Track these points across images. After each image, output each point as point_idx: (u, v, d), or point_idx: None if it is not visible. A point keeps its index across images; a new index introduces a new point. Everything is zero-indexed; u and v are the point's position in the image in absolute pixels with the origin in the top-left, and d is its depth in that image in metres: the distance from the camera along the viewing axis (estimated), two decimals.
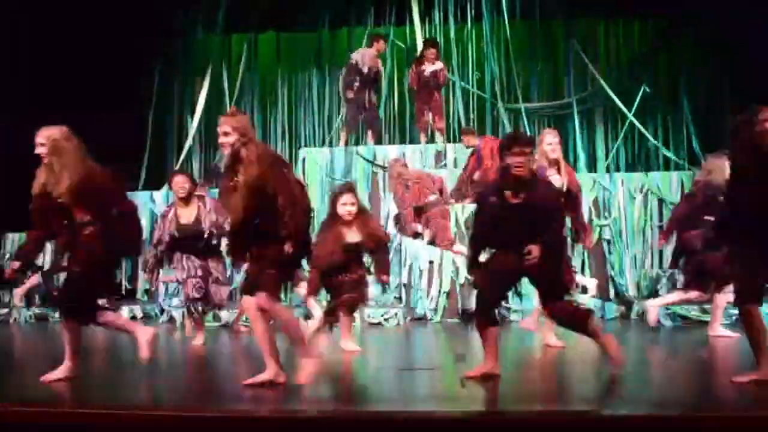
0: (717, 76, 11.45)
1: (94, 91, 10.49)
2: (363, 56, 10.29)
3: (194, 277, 6.58)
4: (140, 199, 9.98)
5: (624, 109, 11.35)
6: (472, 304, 7.61)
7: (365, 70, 10.18)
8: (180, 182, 6.65)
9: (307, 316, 7.25)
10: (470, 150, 9.56)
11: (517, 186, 4.47)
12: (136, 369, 5.04)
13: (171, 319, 8.54)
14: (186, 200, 6.61)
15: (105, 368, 5.69)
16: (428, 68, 10.20)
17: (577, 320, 4.66)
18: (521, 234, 4.41)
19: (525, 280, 4.73)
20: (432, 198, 8.77)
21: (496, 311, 4.72)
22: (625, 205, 9.18)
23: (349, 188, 6.22)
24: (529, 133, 4.15)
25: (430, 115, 10.38)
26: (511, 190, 4.48)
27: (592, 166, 11.64)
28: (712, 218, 5.68)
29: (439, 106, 10.44)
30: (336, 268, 5.91)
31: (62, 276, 5.19)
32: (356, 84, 10.20)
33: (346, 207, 5.95)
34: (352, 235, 5.92)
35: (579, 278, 8.63)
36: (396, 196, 9.06)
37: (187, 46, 12.69)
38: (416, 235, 8.83)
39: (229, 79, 12.36)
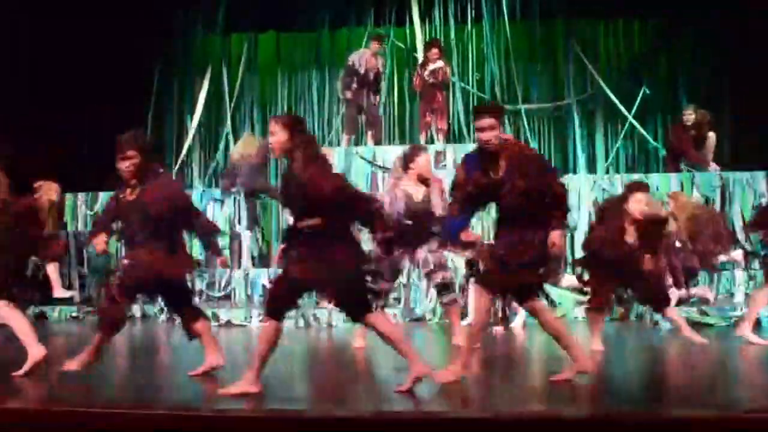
0: (717, 76, 11.42)
1: (94, 91, 10.46)
2: (359, 57, 10.29)
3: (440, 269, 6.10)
4: None
5: (624, 110, 11.33)
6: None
7: (362, 71, 10.18)
8: (428, 160, 6.25)
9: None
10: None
11: (131, 185, 4.76)
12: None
13: (170, 319, 8.48)
14: (424, 180, 6.14)
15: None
16: (429, 67, 10.21)
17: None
18: (134, 230, 4.73)
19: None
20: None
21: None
22: None
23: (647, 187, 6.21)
24: (140, 137, 4.39)
25: (433, 116, 10.37)
26: (130, 188, 4.79)
27: (591, 167, 11.63)
28: None
29: (442, 106, 10.42)
30: None
31: None
32: (354, 85, 10.21)
33: (640, 205, 5.79)
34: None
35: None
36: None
37: (187, 46, 12.64)
38: None
39: (229, 79, 12.34)
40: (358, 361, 5.99)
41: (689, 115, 9.83)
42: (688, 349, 6.00)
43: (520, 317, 7.54)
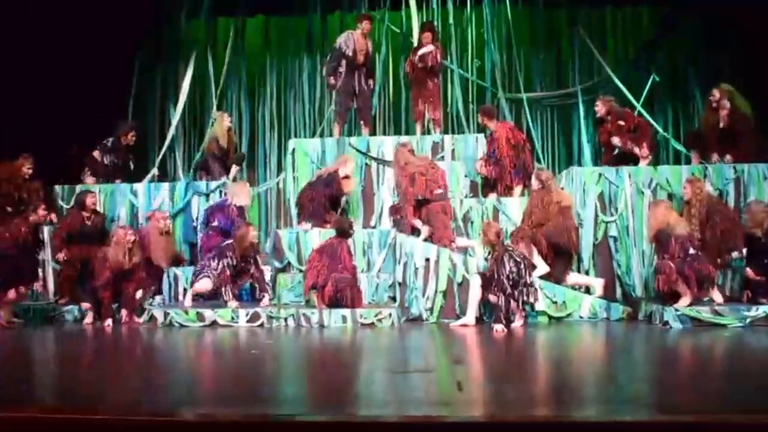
0: (730, 64, 11.14)
1: (73, 78, 10.11)
2: (347, 39, 9.82)
3: None
4: (121, 191, 9.88)
5: (632, 100, 10.99)
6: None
7: (349, 53, 9.68)
8: None
9: None
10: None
11: None
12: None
13: (152, 318, 8.21)
14: None
15: None
16: (419, 52, 9.71)
17: None
18: None
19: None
20: (437, 191, 8.36)
21: None
22: (633, 200, 8.80)
23: None
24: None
25: (426, 104, 9.86)
26: None
27: (597, 159, 11.26)
28: None
29: (433, 95, 9.96)
30: None
31: None
32: (341, 69, 9.72)
33: None
34: None
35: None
36: (399, 188, 8.66)
37: (171, 31, 12.42)
38: (413, 230, 8.46)
39: (215, 66, 12.07)
40: (350, 364, 5.90)
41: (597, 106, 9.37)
42: (699, 350, 6.00)
43: (520, 317, 7.45)
